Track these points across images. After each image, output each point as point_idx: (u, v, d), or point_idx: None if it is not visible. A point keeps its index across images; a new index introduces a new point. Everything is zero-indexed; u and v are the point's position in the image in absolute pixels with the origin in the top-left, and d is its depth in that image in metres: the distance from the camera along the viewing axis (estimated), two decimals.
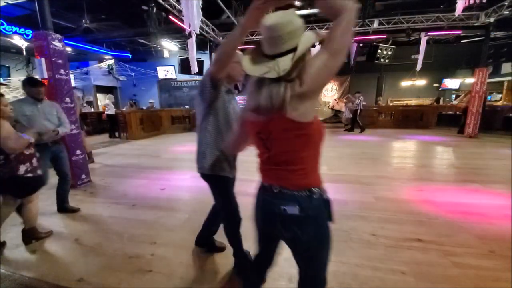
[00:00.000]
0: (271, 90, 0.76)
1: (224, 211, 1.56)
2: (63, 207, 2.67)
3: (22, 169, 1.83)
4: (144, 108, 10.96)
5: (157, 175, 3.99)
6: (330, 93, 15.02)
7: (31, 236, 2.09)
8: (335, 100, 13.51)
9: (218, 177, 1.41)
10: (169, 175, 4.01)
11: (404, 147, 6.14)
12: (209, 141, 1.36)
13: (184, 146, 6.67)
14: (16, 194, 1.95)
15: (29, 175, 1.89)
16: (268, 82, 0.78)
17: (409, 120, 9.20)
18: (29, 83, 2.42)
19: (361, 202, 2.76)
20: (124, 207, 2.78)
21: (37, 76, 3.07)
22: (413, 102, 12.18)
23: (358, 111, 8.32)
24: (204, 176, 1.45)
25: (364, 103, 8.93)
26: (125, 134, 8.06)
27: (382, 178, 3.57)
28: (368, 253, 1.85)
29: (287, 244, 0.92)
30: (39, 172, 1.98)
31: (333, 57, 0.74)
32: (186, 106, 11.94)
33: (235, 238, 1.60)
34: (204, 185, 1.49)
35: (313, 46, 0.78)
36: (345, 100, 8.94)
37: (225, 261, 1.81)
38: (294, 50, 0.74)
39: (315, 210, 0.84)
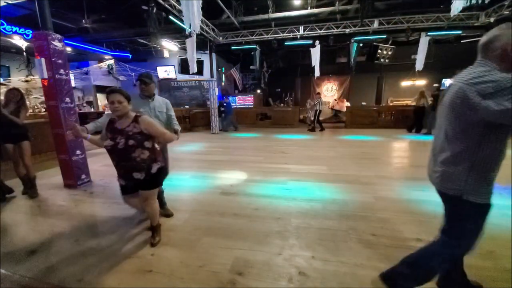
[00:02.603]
0: None
1: (468, 238, 1.21)
2: (162, 203, 2.65)
3: (155, 167, 1.96)
4: None
5: None
6: (330, 93, 15.05)
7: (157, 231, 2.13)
8: (335, 100, 13.55)
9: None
10: (169, 175, 4.00)
11: (404, 147, 6.15)
12: (493, 161, 1.10)
13: (184, 146, 6.67)
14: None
15: (161, 165, 2.03)
16: None
17: (409, 120, 9.18)
18: (138, 79, 2.31)
19: (361, 202, 2.76)
20: (124, 207, 2.76)
21: (36, 76, 3.06)
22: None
23: (318, 112, 8.87)
24: (471, 204, 1.12)
25: (323, 105, 9.75)
26: None
27: (382, 178, 3.57)
28: (368, 253, 1.85)
29: None
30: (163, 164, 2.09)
31: None
32: (186, 106, 11.94)
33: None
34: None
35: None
36: (308, 105, 9.49)
37: (226, 261, 1.81)
38: None
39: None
